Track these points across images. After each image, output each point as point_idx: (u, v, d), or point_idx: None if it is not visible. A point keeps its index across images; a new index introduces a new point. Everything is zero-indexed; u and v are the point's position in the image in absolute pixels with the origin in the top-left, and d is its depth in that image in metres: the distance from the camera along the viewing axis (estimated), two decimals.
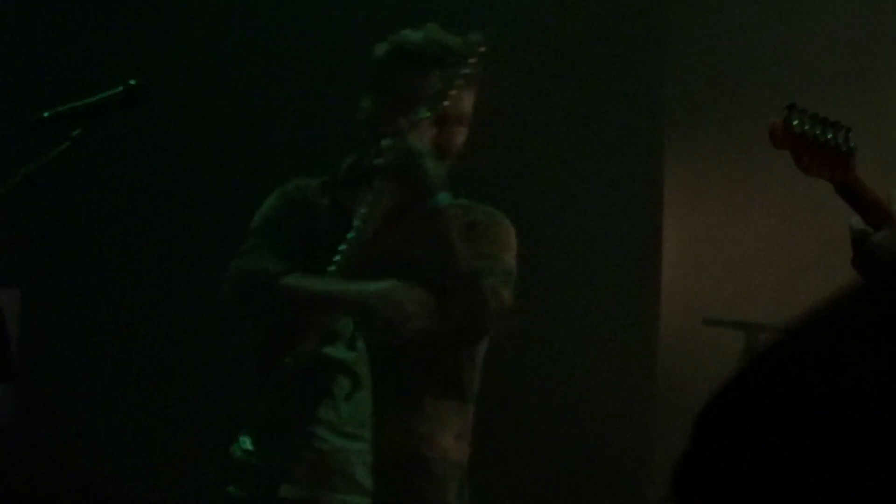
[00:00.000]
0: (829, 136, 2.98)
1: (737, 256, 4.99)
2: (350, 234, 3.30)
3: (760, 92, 4.94)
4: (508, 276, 3.39)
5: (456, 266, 3.27)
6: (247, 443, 3.33)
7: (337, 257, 3.28)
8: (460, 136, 3.42)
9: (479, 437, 5.05)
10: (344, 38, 5.12)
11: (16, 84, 5.52)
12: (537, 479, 5.03)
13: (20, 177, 3.22)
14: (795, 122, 2.94)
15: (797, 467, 0.86)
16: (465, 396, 3.42)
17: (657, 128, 5.05)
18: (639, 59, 5.06)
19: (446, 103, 3.31)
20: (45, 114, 3.26)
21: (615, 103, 5.05)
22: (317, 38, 5.34)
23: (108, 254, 5.45)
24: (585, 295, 5.05)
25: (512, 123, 5.13)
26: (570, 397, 5.02)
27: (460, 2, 5.20)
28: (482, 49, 3.34)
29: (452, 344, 3.34)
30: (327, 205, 3.45)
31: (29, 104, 3.55)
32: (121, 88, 3.30)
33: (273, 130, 5.34)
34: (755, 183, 4.99)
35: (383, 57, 3.42)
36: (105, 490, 5.29)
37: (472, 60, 3.33)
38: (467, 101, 3.38)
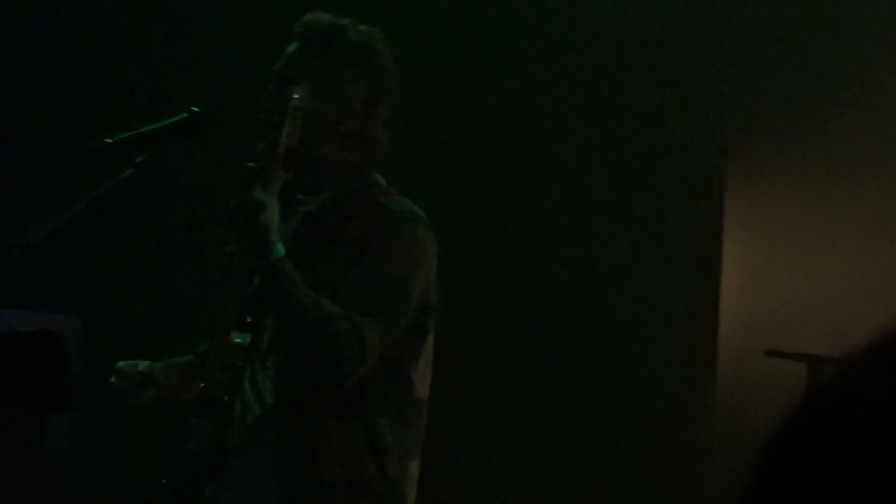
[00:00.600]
0: None
1: (798, 287, 4.95)
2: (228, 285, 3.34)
3: (824, 121, 4.91)
4: (399, 289, 3.30)
5: (297, 318, 3.21)
6: None
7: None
8: (315, 173, 3.37)
9: (525, 459, 5.03)
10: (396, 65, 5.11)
11: (79, 110, 5.56)
12: None
13: (84, 203, 3.23)
14: None
15: None
16: (369, 413, 3.34)
17: (718, 156, 5.02)
18: (700, 87, 5.03)
19: (282, 141, 3.22)
20: (109, 140, 3.26)
21: (676, 130, 5.02)
22: None
23: (169, 281, 5.46)
24: (643, 325, 5.02)
25: (568, 154, 5.11)
26: (627, 429, 4.98)
27: (514, 26, 5.20)
28: (296, 96, 3.26)
29: (311, 389, 3.30)
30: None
31: (92, 130, 3.56)
32: (184, 115, 3.31)
33: None
34: (817, 212, 4.95)
35: None
36: None
37: (293, 102, 3.24)
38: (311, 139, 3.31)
